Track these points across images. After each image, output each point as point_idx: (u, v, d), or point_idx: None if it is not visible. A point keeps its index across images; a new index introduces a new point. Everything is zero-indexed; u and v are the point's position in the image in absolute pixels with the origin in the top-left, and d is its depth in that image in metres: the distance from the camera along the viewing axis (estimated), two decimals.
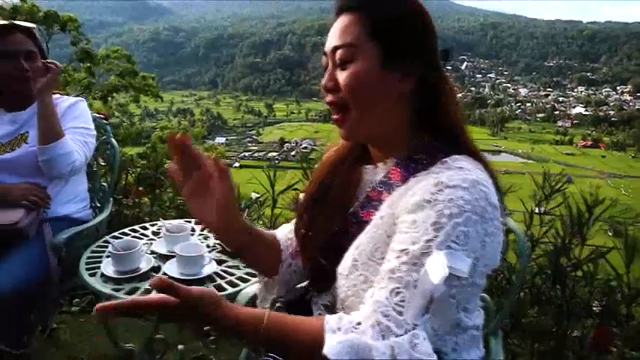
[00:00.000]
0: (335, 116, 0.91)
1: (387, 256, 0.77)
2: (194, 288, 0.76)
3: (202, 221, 0.92)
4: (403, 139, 0.88)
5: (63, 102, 1.85)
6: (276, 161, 73.52)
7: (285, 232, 1.10)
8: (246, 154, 78.42)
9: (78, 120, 1.84)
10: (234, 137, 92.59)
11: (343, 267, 0.87)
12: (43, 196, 1.74)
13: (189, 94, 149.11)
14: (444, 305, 0.69)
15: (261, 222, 2.89)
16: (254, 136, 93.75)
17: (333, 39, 0.88)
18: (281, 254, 1.05)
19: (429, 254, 0.71)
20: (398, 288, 0.71)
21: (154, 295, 0.75)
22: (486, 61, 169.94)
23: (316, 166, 1.14)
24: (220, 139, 74.77)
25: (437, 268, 0.69)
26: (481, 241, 0.73)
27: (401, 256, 0.73)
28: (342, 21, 0.88)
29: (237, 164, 65.01)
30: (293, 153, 75.28)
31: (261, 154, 78.67)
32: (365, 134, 0.92)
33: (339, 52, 0.86)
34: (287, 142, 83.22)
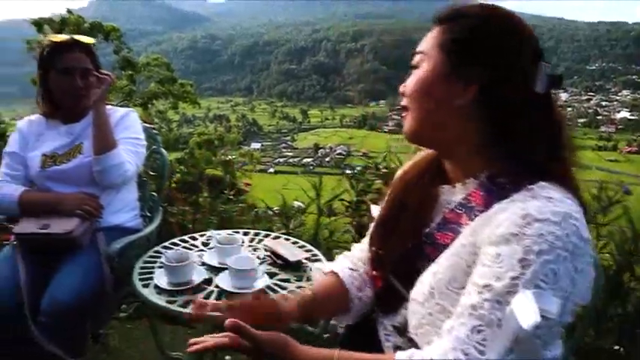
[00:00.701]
0: (402, 116, 0.93)
1: (468, 288, 0.73)
2: (265, 333, 0.79)
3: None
4: (479, 158, 0.85)
5: (115, 113, 1.88)
6: (311, 167, 73.89)
7: (345, 267, 1.08)
8: (281, 159, 79.07)
9: (129, 130, 1.87)
10: (269, 143, 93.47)
11: (418, 293, 0.84)
12: (97, 206, 1.77)
13: (225, 100, 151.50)
14: (529, 346, 0.65)
15: (304, 230, 2.88)
16: (289, 142, 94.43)
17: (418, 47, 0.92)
18: (348, 294, 1.04)
19: (514, 293, 0.67)
20: (480, 326, 0.68)
21: (229, 338, 0.80)
22: None
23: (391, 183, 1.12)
24: (255, 145, 75.51)
25: (525, 309, 0.64)
26: (571, 279, 0.69)
27: (483, 292, 0.70)
28: (430, 33, 0.90)
29: (272, 170, 65.60)
30: (327, 159, 75.50)
31: (295, 159, 79.17)
32: (420, 136, 0.91)
33: (414, 58, 0.90)
34: (321, 148, 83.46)
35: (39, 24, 14.46)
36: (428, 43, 0.88)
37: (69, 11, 15.64)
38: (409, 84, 0.89)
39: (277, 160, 77.57)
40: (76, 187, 1.80)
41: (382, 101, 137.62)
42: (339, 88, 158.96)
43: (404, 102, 0.91)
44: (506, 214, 0.74)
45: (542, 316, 0.64)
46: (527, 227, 0.70)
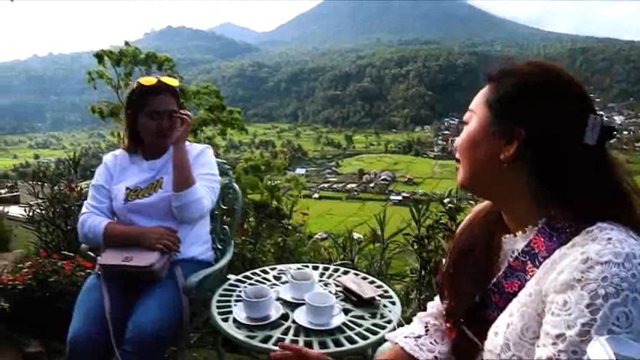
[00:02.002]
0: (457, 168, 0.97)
1: (542, 340, 0.73)
2: None
3: None
4: (534, 206, 0.86)
5: (192, 149, 1.96)
6: (355, 192, 73.73)
7: (410, 336, 1.08)
8: (326, 185, 79.27)
9: (205, 167, 1.95)
10: (314, 168, 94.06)
11: (494, 345, 0.83)
12: (175, 240, 1.84)
13: (271, 126, 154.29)
14: None
15: (362, 261, 2.88)
16: (333, 168, 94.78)
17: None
18: (416, 356, 1.04)
19: (588, 340, 0.66)
20: None
21: None
22: None
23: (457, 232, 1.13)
24: (300, 170, 76.22)
25: (600, 355, 0.62)
26: None
27: (557, 343, 0.69)
28: (481, 90, 0.94)
29: (316, 195, 65.85)
30: (372, 184, 75.17)
31: (340, 185, 79.20)
32: (472, 188, 0.96)
33: (466, 115, 0.94)
34: (366, 174, 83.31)
35: (100, 56, 15.34)
36: (477, 100, 0.92)
37: (126, 43, 16.53)
38: (460, 139, 0.93)
39: (322, 186, 77.80)
40: (155, 219, 1.88)
41: (427, 126, 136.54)
42: (383, 114, 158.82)
43: (457, 155, 0.95)
44: (568, 259, 0.74)
45: None
46: (590, 271, 0.70)
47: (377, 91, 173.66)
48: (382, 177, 80.00)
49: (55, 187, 4.16)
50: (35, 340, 2.79)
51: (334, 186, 79.05)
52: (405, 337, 1.06)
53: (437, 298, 1.12)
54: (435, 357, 1.03)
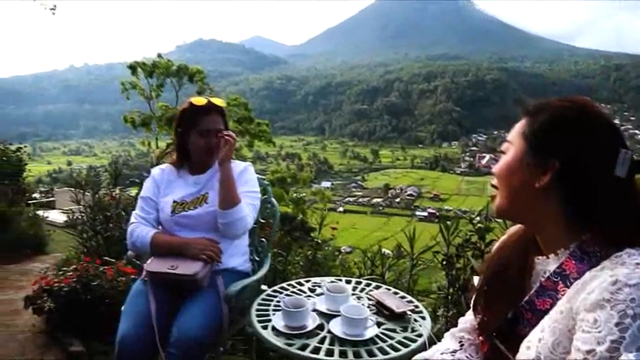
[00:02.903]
0: (492, 195, 1.05)
1: (574, 355, 0.79)
2: None
3: None
4: (566, 231, 0.92)
5: (236, 167, 2.08)
6: (381, 207, 73.32)
7: (446, 352, 1.14)
8: (351, 199, 79.03)
9: (248, 185, 2.07)
10: (340, 182, 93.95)
11: (525, 358, 0.89)
12: (217, 251, 1.96)
13: (297, 139, 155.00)
14: None
15: (393, 276, 2.95)
16: (359, 182, 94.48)
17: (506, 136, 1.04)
18: None
19: (617, 357, 0.73)
20: None
21: None
22: (609, 106, 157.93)
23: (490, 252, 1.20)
24: (326, 184, 76.27)
25: None
26: None
27: (588, 358, 0.75)
28: (518, 123, 1.02)
29: (341, 209, 65.71)
30: (397, 200, 74.62)
31: (365, 199, 78.87)
32: (508, 214, 1.04)
33: (502, 146, 1.03)
34: (392, 189, 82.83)
35: (133, 67, 15.75)
36: (514, 132, 1.00)
37: (159, 55, 16.94)
38: (498, 167, 1.01)
39: (347, 199, 77.57)
40: (199, 231, 2.00)
41: (454, 142, 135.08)
42: (410, 129, 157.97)
43: (494, 182, 1.04)
44: (598, 281, 0.80)
45: None
46: (619, 293, 0.76)
47: (404, 106, 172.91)
48: (408, 192, 79.38)
49: (96, 195, 4.35)
50: (77, 340, 2.93)
51: (359, 200, 78.76)
52: (442, 353, 1.13)
53: (468, 314, 1.19)
54: None
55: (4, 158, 5.78)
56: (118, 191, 4.47)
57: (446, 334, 1.20)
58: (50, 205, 10.95)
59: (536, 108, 0.98)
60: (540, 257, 1.00)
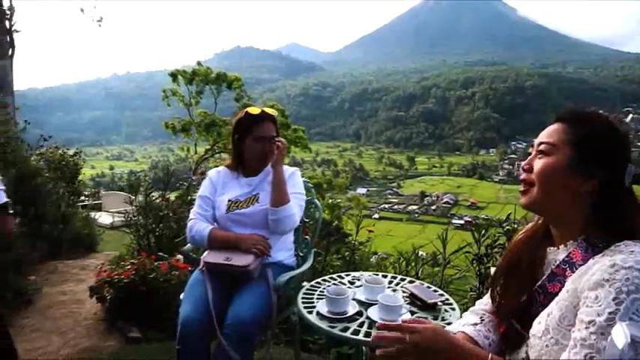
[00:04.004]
0: (522, 188, 1.17)
1: (577, 326, 0.96)
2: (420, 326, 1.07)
3: None
4: (580, 227, 1.10)
5: (285, 171, 2.31)
6: (416, 214, 72.64)
7: (469, 324, 1.30)
8: (386, 205, 78.59)
9: (295, 187, 2.30)
10: (375, 189, 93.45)
11: (537, 330, 1.07)
12: (267, 246, 2.19)
13: (333, 145, 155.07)
14: None
15: (427, 278, 3.11)
16: (394, 189, 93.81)
17: (541, 136, 1.16)
18: (477, 340, 1.25)
19: (613, 325, 0.89)
20: (591, 353, 0.90)
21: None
22: None
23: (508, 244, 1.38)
24: (361, 190, 76.22)
25: (621, 336, 0.87)
26: None
27: (589, 326, 0.92)
28: (554, 126, 1.15)
29: (376, 215, 65.46)
30: (433, 207, 73.77)
31: (401, 206, 78.29)
32: (539, 209, 1.17)
33: (542, 146, 1.14)
34: (427, 196, 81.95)
35: (174, 75, 16.24)
36: (557, 136, 1.12)
37: (199, 63, 17.42)
38: (539, 168, 1.12)
39: (382, 206, 77.13)
40: (250, 228, 2.25)
41: (492, 150, 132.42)
42: (447, 136, 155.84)
43: (524, 176, 1.15)
44: (599, 265, 0.98)
45: (636, 341, 0.86)
46: (616, 274, 0.93)
47: (441, 113, 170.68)
48: (444, 200, 78.35)
49: (148, 197, 4.68)
50: (135, 327, 3.22)
51: (395, 207, 78.17)
52: (463, 325, 1.31)
53: (485, 297, 1.36)
54: (489, 343, 1.28)
55: (63, 162, 6.22)
56: (170, 194, 4.79)
57: (466, 313, 1.37)
58: (97, 208, 11.52)
59: (577, 117, 1.13)
60: (552, 248, 1.18)
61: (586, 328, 0.93)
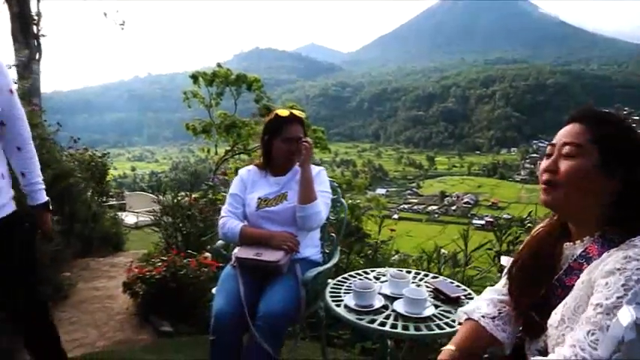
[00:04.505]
0: (545, 187, 1.19)
1: (587, 309, 1.03)
2: None
3: None
4: (597, 224, 1.15)
5: (312, 170, 2.40)
6: (436, 215, 72.11)
7: (486, 315, 1.34)
8: (406, 206, 78.16)
9: (322, 185, 2.40)
10: (395, 189, 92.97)
11: (554, 320, 1.13)
12: (296, 243, 2.29)
13: (352, 145, 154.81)
14: (632, 347, 0.93)
15: (447, 273, 3.17)
16: (414, 189, 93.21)
17: (563, 137, 1.18)
18: (494, 337, 1.32)
19: (619, 307, 0.96)
20: (593, 330, 0.97)
21: None
22: None
23: (525, 239, 1.43)
24: (381, 191, 75.81)
25: (627, 316, 0.94)
26: None
27: (596, 308, 0.99)
28: (573, 127, 1.18)
29: (396, 216, 65.16)
30: (454, 207, 73.15)
31: (420, 207, 77.77)
32: (561, 209, 1.21)
33: (566, 148, 1.16)
34: (448, 196, 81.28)
35: (195, 77, 16.42)
36: (581, 137, 1.14)
37: (219, 65, 17.56)
38: (567, 170, 1.14)
39: (402, 206, 76.71)
40: (279, 225, 2.35)
41: (514, 149, 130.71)
42: (467, 135, 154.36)
43: (548, 177, 1.17)
44: (612, 257, 1.04)
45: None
46: (628, 264, 0.99)
47: (461, 112, 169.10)
48: (465, 200, 77.61)
49: (176, 198, 4.83)
50: (166, 321, 3.35)
51: (415, 207, 77.67)
52: (482, 316, 1.36)
53: (499, 285, 1.41)
54: (507, 336, 1.35)
55: (92, 163, 6.42)
56: (196, 195, 4.94)
57: (483, 298, 1.40)
58: (122, 208, 11.77)
59: (597, 117, 1.16)
60: (568, 243, 1.23)
61: (594, 309, 0.99)
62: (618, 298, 0.97)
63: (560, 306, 1.12)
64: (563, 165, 1.16)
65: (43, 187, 2.12)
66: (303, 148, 2.32)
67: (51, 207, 2.18)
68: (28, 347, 2.14)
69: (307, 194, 2.27)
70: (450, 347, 1.30)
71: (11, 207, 1.96)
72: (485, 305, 1.37)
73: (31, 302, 2.05)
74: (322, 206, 2.31)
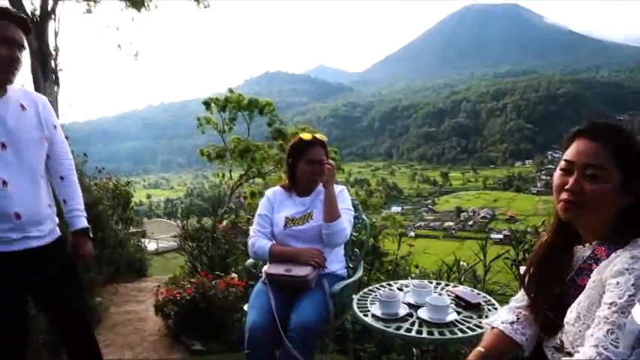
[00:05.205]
0: (567, 206, 1.26)
1: (601, 308, 1.13)
2: None
3: None
4: (607, 229, 1.26)
5: (334, 189, 2.54)
6: (453, 231, 71.46)
7: (506, 322, 1.46)
8: (422, 223, 77.58)
9: (344, 203, 2.54)
10: (410, 207, 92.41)
11: (570, 318, 1.24)
12: (322, 259, 2.42)
13: (365, 164, 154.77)
14: None
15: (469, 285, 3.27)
16: (429, 206, 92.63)
17: (583, 157, 1.23)
18: (515, 341, 1.42)
19: (632, 305, 1.06)
20: (612, 329, 1.07)
21: None
22: None
23: (537, 243, 1.54)
24: (396, 209, 75.42)
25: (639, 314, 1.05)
26: None
27: (611, 307, 1.09)
28: (589, 145, 1.24)
29: (412, 233, 64.72)
30: (471, 223, 72.40)
31: (437, 223, 77.16)
32: (582, 223, 1.29)
33: (590, 170, 1.21)
34: (464, 212, 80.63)
35: (207, 103, 16.69)
36: (602, 159, 1.21)
37: (230, 90, 17.84)
38: (595, 193, 1.21)
39: (418, 224, 76.13)
40: (306, 242, 2.48)
41: (529, 161, 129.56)
42: (480, 149, 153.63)
43: (572, 197, 1.24)
44: (620, 257, 1.14)
45: None
46: (635, 264, 1.10)
47: (473, 126, 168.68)
48: (481, 215, 76.87)
49: (200, 222, 5.00)
50: (197, 341, 3.48)
51: (431, 224, 77.06)
52: (502, 322, 1.47)
53: (519, 294, 1.51)
54: (525, 339, 1.46)
55: (117, 191, 6.64)
56: (225, 219, 5.12)
57: (504, 308, 1.53)
58: (143, 235, 12.01)
59: (615, 135, 1.21)
60: (579, 246, 1.35)
61: (608, 308, 1.09)
62: (630, 296, 1.08)
63: (575, 304, 1.23)
64: (589, 187, 1.22)
65: (84, 214, 2.26)
66: (326, 169, 2.46)
67: (91, 234, 2.31)
68: None
69: (332, 213, 2.41)
70: (479, 349, 1.42)
71: (57, 233, 2.13)
72: (504, 313, 1.49)
73: (79, 321, 2.20)
74: (346, 223, 2.45)
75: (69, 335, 2.21)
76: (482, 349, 1.42)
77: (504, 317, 1.47)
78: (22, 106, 1.98)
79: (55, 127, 2.13)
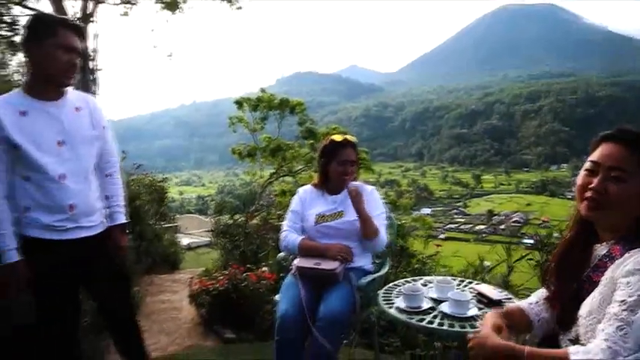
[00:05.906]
0: (590, 205, 1.34)
1: (612, 305, 1.21)
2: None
3: None
4: (624, 229, 1.33)
5: (364, 190, 2.63)
6: (484, 234, 70.25)
7: (526, 302, 1.60)
8: (453, 225, 76.48)
9: (378, 207, 2.66)
10: (440, 208, 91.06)
11: (583, 312, 1.32)
12: (350, 254, 2.55)
13: (396, 165, 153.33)
14: None
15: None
16: (460, 208, 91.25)
17: (609, 160, 1.32)
18: (528, 316, 1.55)
19: None
20: (622, 326, 1.15)
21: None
22: None
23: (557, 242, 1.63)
24: (426, 210, 74.57)
25: None
26: None
27: (621, 305, 1.17)
28: (616, 149, 1.32)
29: (442, 236, 63.97)
30: (502, 226, 70.97)
31: (467, 226, 75.95)
32: (604, 223, 1.37)
33: (615, 172, 1.30)
34: (495, 215, 79.10)
35: (240, 102, 16.91)
36: (627, 162, 1.29)
37: (262, 90, 18.02)
38: (619, 195, 1.28)
39: (448, 226, 75.08)
40: (335, 238, 2.61)
41: (564, 165, 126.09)
42: (514, 152, 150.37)
43: (596, 196, 1.31)
44: (632, 258, 1.22)
45: None
46: None
47: (506, 129, 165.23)
48: (514, 219, 75.10)
49: (233, 218, 5.18)
50: (229, 329, 3.65)
51: (461, 227, 75.78)
52: (522, 301, 1.59)
53: (540, 291, 1.61)
54: (538, 320, 1.54)
55: (153, 187, 6.91)
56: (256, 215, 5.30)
57: (532, 295, 1.63)
58: (176, 230, 12.33)
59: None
60: (597, 245, 1.43)
61: (619, 305, 1.18)
62: None
63: (589, 299, 1.31)
64: (612, 188, 1.29)
65: (124, 211, 2.43)
66: (353, 192, 2.53)
67: (128, 230, 2.46)
68: (117, 345, 2.46)
69: (370, 231, 2.52)
70: (498, 311, 1.57)
71: (105, 225, 2.31)
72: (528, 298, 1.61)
73: (126, 304, 2.39)
74: (383, 232, 2.58)
75: (114, 319, 2.40)
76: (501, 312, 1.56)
77: (526, 300, 1.61)
78: (76, 108, 2.17)
79: (104, 127, 2.31)
